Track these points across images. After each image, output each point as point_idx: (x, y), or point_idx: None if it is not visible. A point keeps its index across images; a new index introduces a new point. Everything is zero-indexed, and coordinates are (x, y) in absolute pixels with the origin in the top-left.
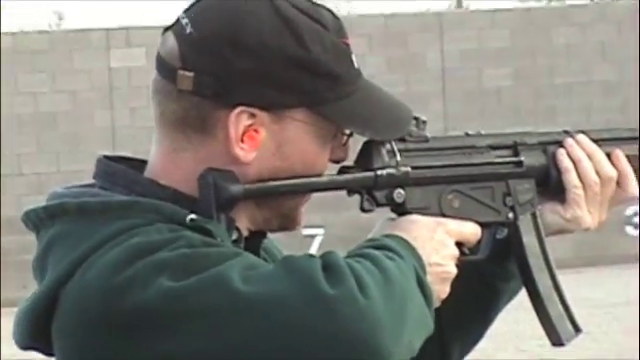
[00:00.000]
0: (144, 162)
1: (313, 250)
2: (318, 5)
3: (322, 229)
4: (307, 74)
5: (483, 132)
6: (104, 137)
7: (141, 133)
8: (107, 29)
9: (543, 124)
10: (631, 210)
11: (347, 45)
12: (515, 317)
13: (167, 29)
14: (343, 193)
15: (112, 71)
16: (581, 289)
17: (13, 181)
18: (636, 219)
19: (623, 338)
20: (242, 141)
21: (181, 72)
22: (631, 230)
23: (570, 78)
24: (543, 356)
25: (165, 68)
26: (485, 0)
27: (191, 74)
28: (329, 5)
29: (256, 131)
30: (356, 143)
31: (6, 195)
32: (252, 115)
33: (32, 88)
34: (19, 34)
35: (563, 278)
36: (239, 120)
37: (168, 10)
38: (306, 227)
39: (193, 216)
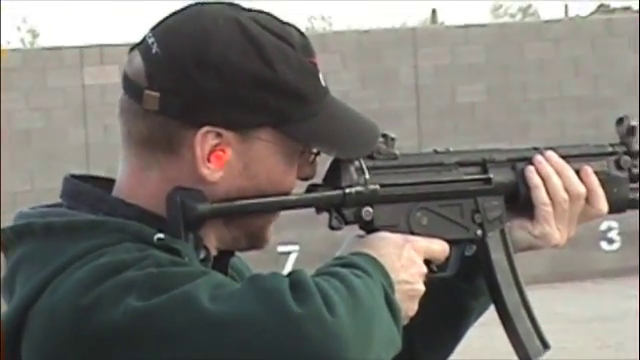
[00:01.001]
0: (112, 181)
1: (288, 267)
2: (285, 23)
3: (297, 246)
4: (273, 94)
5: (452, 149)
6: (78, 154)
7: (115, 150)
8: (80, 47)
9: (517, 139)
10: (606, 225)
11: (314, 64)
12: (490, 332)
13: (133, 48)
14: None
15: (86, 88)
16: (556, 304)
17: None
18: (610, 234)
19: (598, 353)
20: (209, 161)
21: (147, 92)
22: (606, 245)
23: (544, 94)
24: None
25: (131, 87)
26: (459, 13)
27: (157, 94)
28: (302, 23)
29: (222, 151)
30: (325, 160)
31: None
32: (218, 135)
33: (6, 106)
34: None
35: (538, 293)
36: (205, 140)
37: (141, 28)
38: (281, 244)
39: (160, 235)
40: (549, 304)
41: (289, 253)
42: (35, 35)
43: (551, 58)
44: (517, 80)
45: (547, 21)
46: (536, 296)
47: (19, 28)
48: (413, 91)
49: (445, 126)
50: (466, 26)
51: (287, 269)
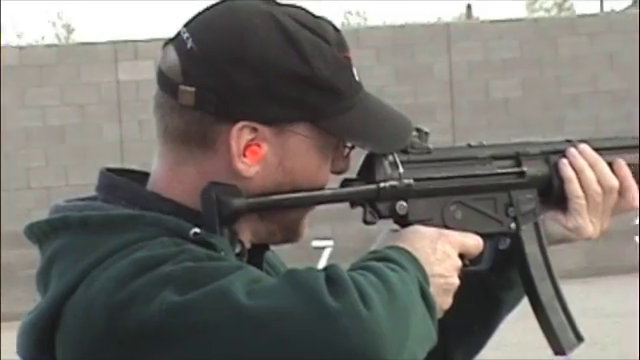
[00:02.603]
0: (146, 174)
1: (323, 262)
2: (320, 18)
3: (331, 241)
4: (309, 89)
5: (485, 143)
6: (113, 150)
7: (150, 146)
8: (115, 42)
9: (551, 135)
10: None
11: (348, 59)
12: (523, 326)
13: (167, 43)
14: None
15: (120, 84)
16: (590, 299)
17: (22, 195)
18: None
19: (632, 347)
20: (244, 156)
21: (182, 87)
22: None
23: (578, 88)
24: None
25: (167, 83)
26: (494, 8)
27: (192, 89)
28: (338, 18)
29: (258, 146)
30: (359, 153)
31: (15, 209)
32: (254, 130)
33: (40, 102)
34: (27, 48)
35: (572, 288)
36: (241, 135)
37: (175, 22)
38: (315, 239)
39: (197, 230)
40: (583, 298)
41: (324, 248)
42: (70, 30)
43: (585, 53)
44: (551, 75)
45: (581, 15)
46: (570, 290)
47: (54, 24)
48: (447, 86)
49: (479, 121)
50: (500, 21)
51: (322, 264)
